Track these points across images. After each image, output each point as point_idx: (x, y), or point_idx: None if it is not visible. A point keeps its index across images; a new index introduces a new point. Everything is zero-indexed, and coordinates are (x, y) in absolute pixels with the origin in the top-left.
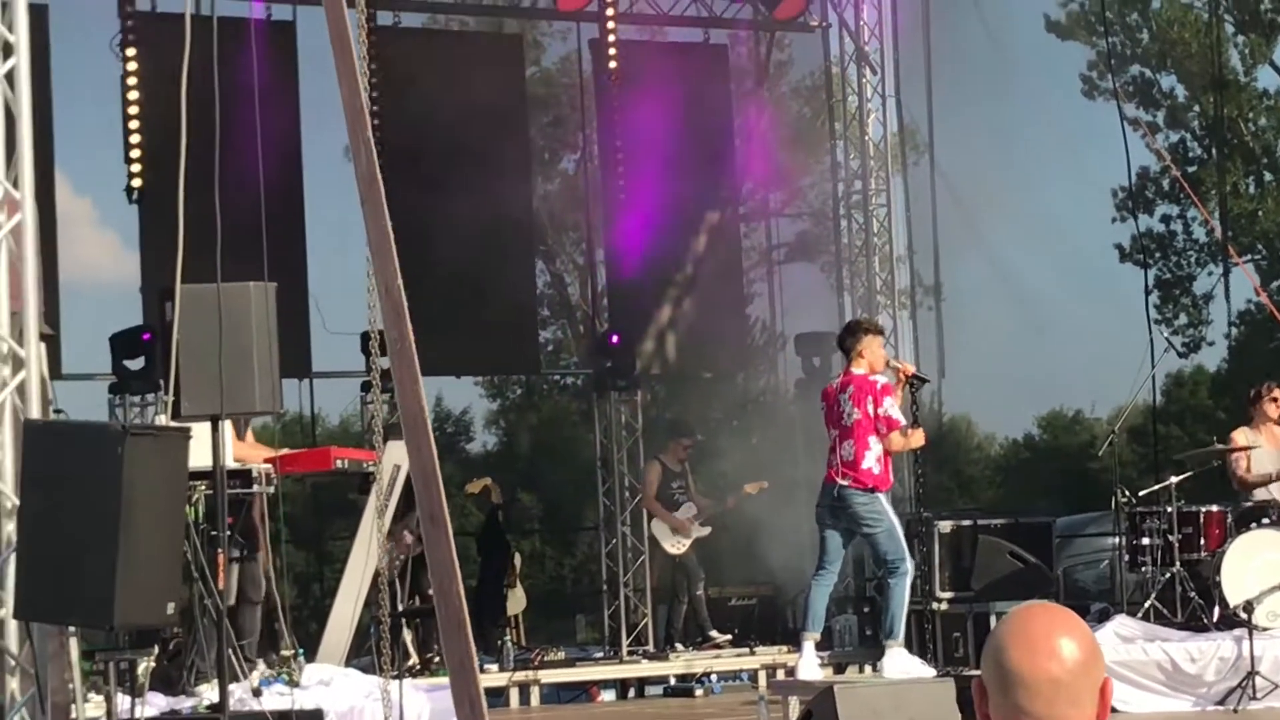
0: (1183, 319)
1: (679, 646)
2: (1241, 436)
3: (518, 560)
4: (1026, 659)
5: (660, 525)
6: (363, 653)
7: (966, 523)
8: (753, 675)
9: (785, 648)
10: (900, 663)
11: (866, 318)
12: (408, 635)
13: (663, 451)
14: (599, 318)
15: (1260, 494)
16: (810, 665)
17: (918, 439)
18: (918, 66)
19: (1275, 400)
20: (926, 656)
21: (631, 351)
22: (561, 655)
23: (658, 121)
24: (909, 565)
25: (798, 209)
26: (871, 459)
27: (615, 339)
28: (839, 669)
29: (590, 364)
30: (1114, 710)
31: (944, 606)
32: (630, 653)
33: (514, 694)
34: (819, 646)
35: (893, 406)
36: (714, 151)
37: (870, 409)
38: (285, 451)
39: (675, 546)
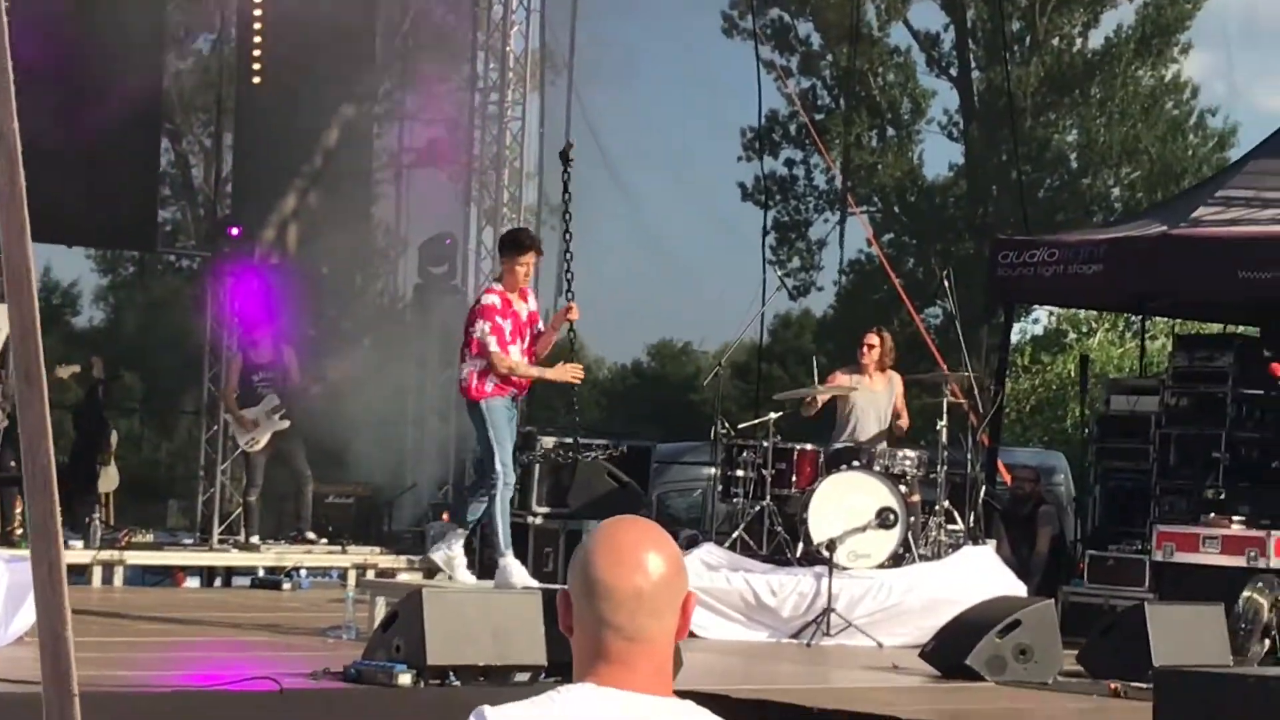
0: (796, 262)
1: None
2: (842, 376)
3: (114, 438)
4: (612, 570)
5: (241, 420)
6: None
7: (568, 440)
8: (343, 573)
9: (378, 548)
10: (514, 574)
11: (521, 230)
12: None
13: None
14: (221, 203)
15: (854, 438)
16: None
17: (523, 369)
18: None
19: (870, 346)
20: None
21: (251, 239)
22: (150, 538)
23: (297, 12)
24: (501, 480)
25: (433, 115)
26: (465, 371)
27: (235, 231)
28: (429, 574)
29: (208, 248)
30: (692, 635)
31: (539, 521)
32: (221, 541)
33: (97, 572)
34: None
35: (484, 330)
36: (354, 49)
37: (468, 329)
38: None
39: (250, 445)
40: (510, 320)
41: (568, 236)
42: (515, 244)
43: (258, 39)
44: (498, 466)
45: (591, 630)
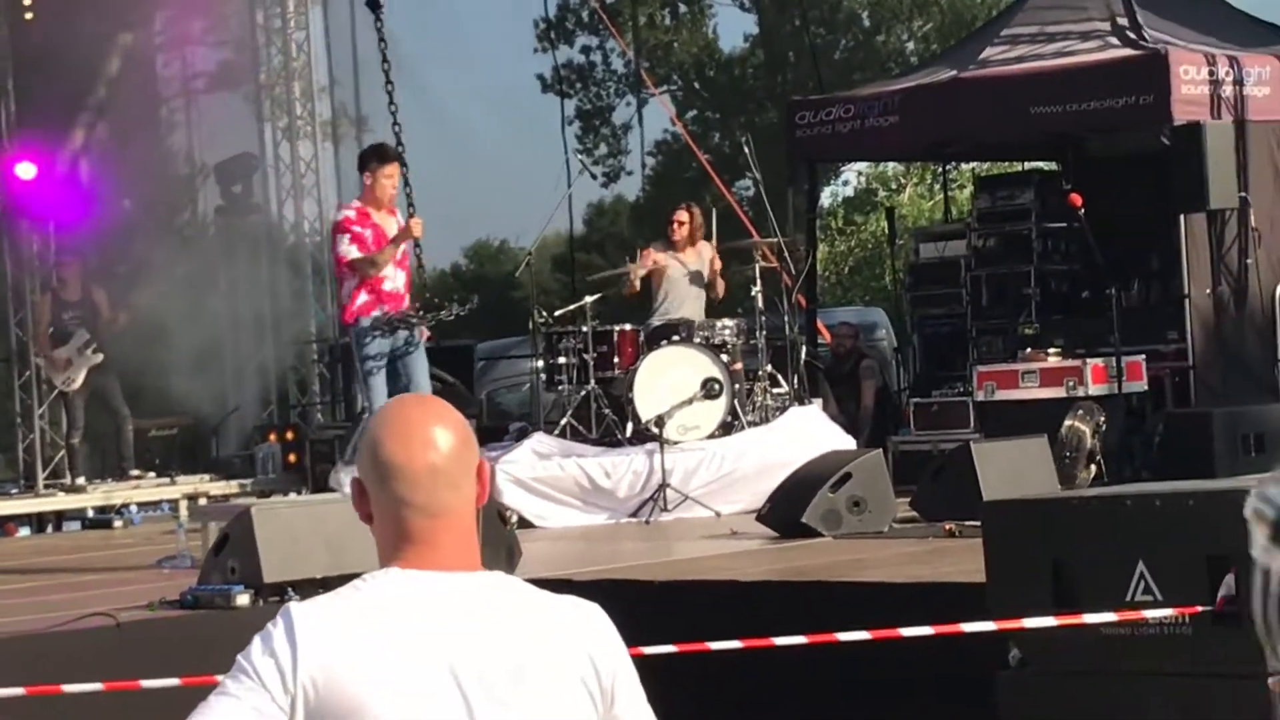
0: (602, 149)
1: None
2: (656, 253)
3: None
4: (403, 450)
5: (54, 360)
6: None
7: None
8: (174, 505)
9: (207, 476)
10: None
11: (381, 143)
12: None
13: (54, 280)
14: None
15: (672, 313)
16: None
17: (382, 256)
18: None
19: (680, 223)
20: None
21: (45, 179)
22: None
23: None
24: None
25: (218, 37)
26: (342, 298)
27: (24, 174)
28: (263, 495)
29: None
30: (530, 524)
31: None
32: (47, 487)
33: None
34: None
35: (344, 243)
36: None
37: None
38: None
39: (67, 384)
40: (371, 231)
41: (389, 87)
42: (378, 154)
43: None
44: (363, 407)
45: (391, 513)
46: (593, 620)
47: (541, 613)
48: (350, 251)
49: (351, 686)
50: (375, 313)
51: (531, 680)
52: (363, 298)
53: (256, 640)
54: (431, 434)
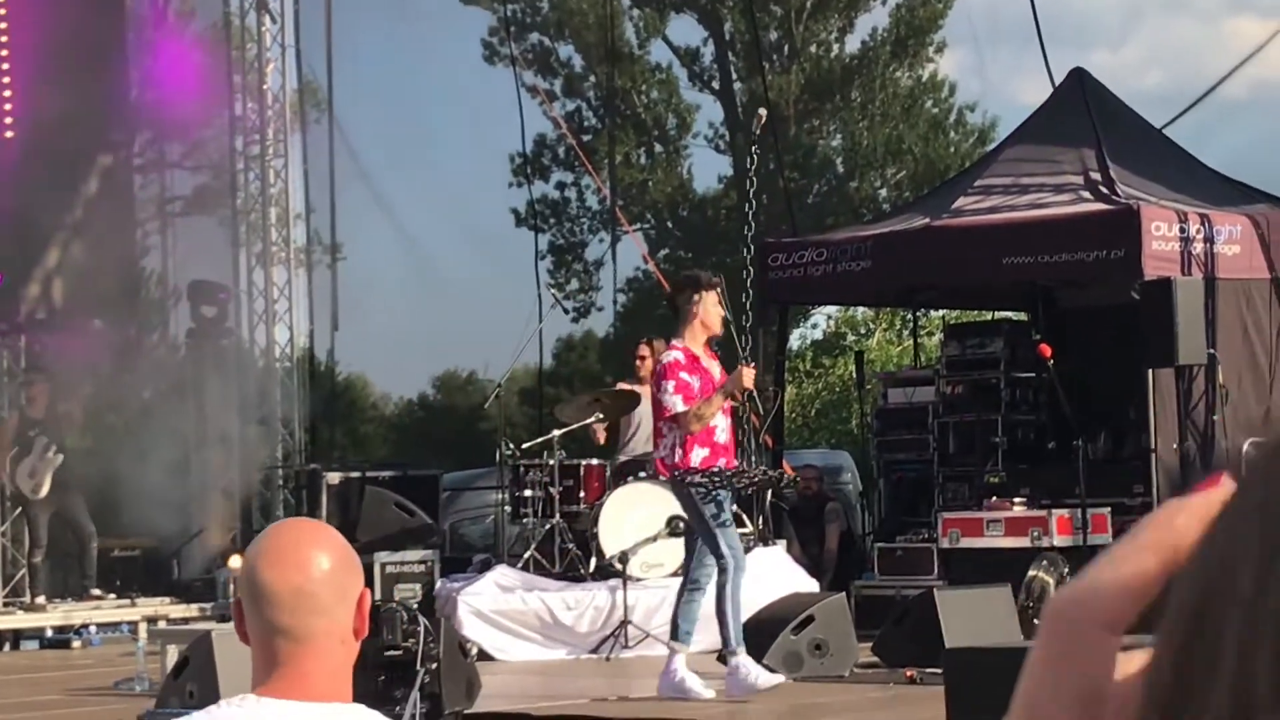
0: (574, 284)
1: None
2: (623, 388)
3: None
4: (272, 570)
5: (17, 473)
6: None
7: (355, 474)
8: (133, 626)
9: (168, 598)
10: (753, 676)
11: (695, 272)
12: None
13: (23, 399)
14: None
15: (639, 449)
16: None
17: (708, 408)
18: (319, 17)
19: (642, 358)
20: None
21: (15, 295)
22: None
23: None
24: (732, 565)
25: (197, 161)
26: (664, 449)
27: None
28: (224, 620)
29: None
30: (490, 657)
31: None
32: (6, 604)
33: None
34: None
35: (668, 390)
36: (109, 96)
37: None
38: None
39: (34, 491)
40: (700, 378)
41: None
42: (700, 280)
43: (7, 93)
44: (723, 550)
45: (261, 636)
46: None
47: None
48: (675, 404)
49: None
50: (714, 467)
51: None
52: (699, 452)
53: None
54: (304, 556)
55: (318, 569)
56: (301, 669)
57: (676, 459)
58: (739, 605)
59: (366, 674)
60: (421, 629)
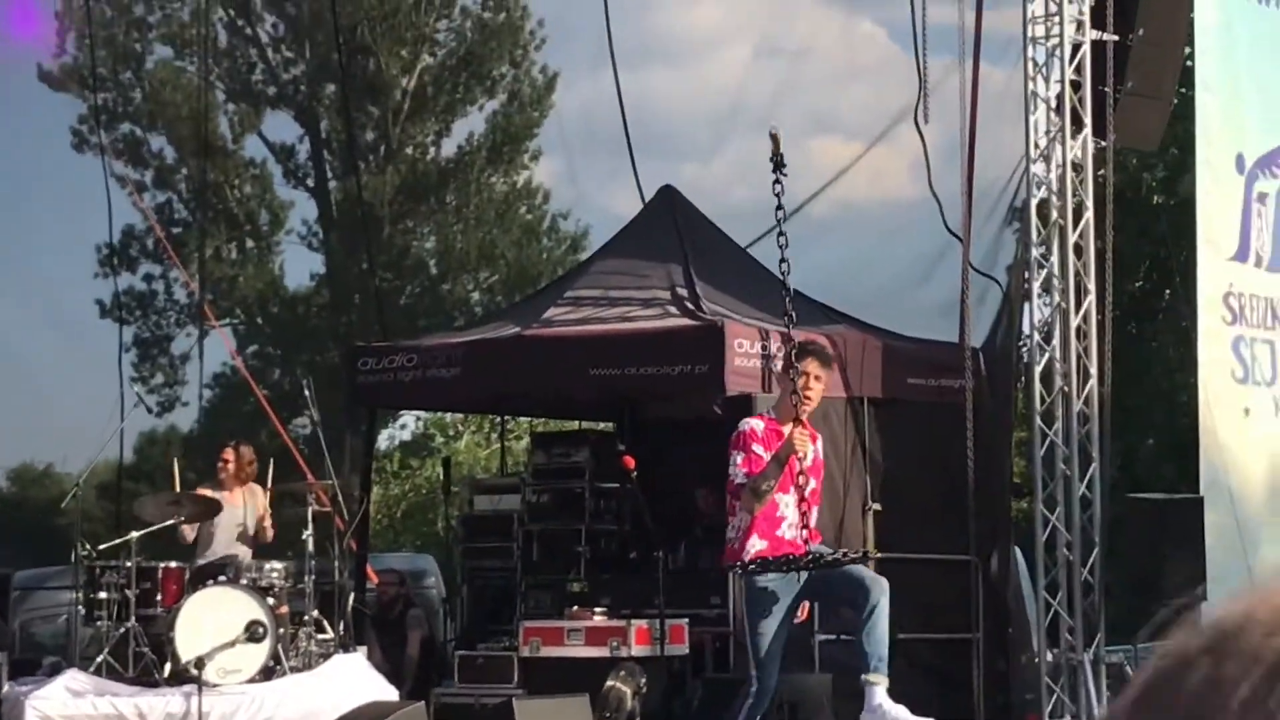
0: (159, 378)
1: None
2: (207, 492)
3: None
4: None
5: None
6: None
7: None
8: None
9: None
10: None
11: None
12: None
13: None
14: None
15: (219, 552)
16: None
17: (764, 483)
18: None
19: (225, 461)
20: None
21: None
22: None
23: None
24: (754, 689)
25: None
26: (731, 530)
27: None
28: None
29: None
30: None
31: None
32: None
33: None
34: None
35: (734, 463)
36: None
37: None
38: None
39: None
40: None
41: None
42: (807, 351)
43: None
44: (750, 670)
45: None
46: None
47: None
48: (737, 475)
49: None
50: (777, 570)
51: None
52: (754, 542)
53: None
54: None
55: None
56: None
57: (731, 545)
58: None
59: None
60: None
